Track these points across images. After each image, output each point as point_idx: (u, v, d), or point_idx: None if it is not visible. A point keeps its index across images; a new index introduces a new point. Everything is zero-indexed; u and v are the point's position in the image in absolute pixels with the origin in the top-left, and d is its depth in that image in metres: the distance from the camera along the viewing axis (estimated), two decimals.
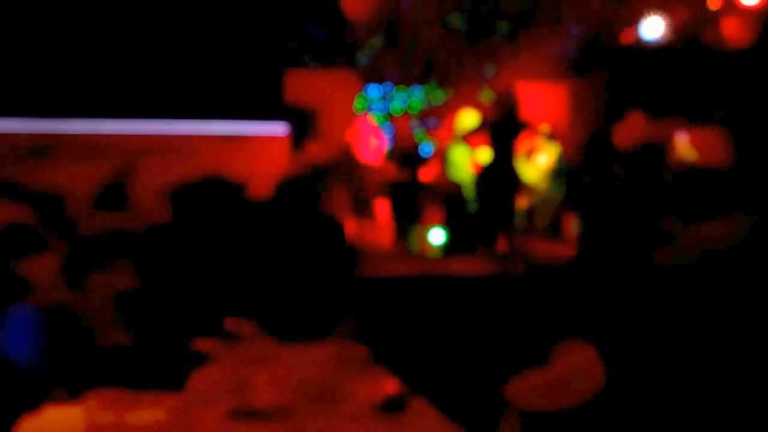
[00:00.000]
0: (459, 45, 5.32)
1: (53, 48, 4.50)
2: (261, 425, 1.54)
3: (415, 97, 5.60)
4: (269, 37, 4.88)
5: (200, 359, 1.83)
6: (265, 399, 1.58)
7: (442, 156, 4.63)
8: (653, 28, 4.90)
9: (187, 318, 2.08)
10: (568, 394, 1.66)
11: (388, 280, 3.02)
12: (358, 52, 5.31)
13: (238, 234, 2.47)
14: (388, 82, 5.52)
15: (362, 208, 3.73)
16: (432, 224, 3.76)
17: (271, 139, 4.78)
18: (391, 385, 1.63)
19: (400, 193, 4.19)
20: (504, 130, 4.81)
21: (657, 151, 4.02)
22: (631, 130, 3.98)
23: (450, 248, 3.67)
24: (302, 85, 4.93)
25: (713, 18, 4.64)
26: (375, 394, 1.61)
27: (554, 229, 4.45)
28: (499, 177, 4.30)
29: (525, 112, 5.25)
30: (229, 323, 1.99)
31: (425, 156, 4.98)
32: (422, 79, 5.51)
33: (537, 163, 4.82)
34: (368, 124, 4.59)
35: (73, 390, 1.62)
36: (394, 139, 5.13)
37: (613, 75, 5.18)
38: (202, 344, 1.90)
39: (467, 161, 4.44)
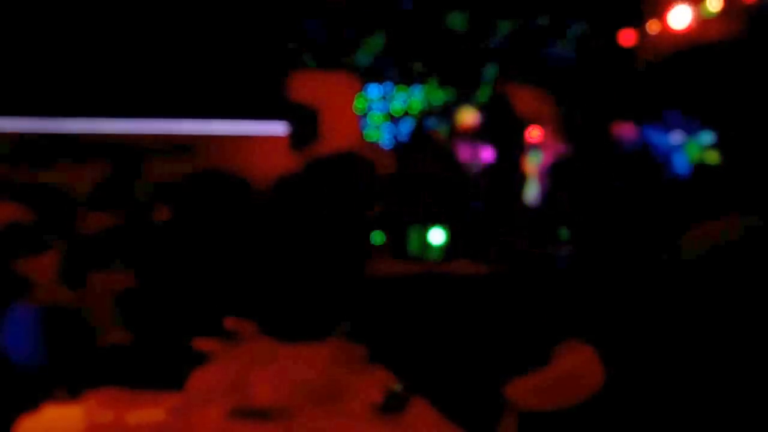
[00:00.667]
0: (459, 45, 5.32)
1: (54, 47, 4.50)
2: (260, 425, 1.54)
3: (415, 97, 5.60)
4: (270, 36, 4.88)
5: (200, 359, 1.83)
6: (264, 398, 1.58)
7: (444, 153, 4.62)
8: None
9: (187, 317, 2.08)
10: (567, 394, 1.66)
11: (387, 280, 3.02)
12: (359, 52, 5.31)
13: (238, 233, 2.47)
14: (389, 82, 5.52)
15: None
16: (432, 224, 3.75)
17: (272, 139, 4.78)
18: (390, 385, 1.63)
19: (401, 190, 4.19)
20: (504, 128, 4.81)
21: (653, 152, 4.03)
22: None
23: (451, 248, 3.67)
24: (303, 85, 4.94)
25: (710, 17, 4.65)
26: (375, 394, 1.61)
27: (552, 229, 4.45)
28: (502, 175, 4.30)
29: (522, 111, 5.26)
30: (229, 323, 1.98)
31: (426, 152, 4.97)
32: (422, 79, 5.51)
33: (536, 161, 4.82)
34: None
35: (72, 389, 1.62)
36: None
37: (608, 76, 5.18)
38: (202, 344, 1.90)
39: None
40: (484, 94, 5.38)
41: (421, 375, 1.76)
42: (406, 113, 5.51)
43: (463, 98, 5.24)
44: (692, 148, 4.68)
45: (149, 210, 2.87)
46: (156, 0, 4.54)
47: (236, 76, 4.77)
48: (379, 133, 5.32)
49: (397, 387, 1.62)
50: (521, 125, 4.99)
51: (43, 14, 4.45)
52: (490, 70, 5.43)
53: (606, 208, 3.19)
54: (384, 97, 5.56)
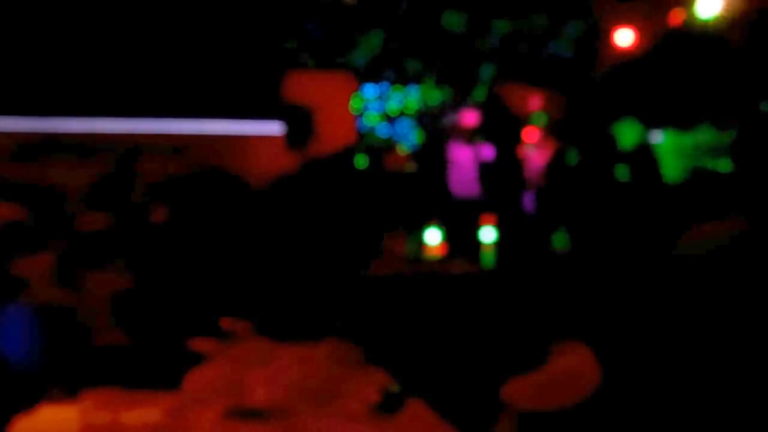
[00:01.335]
0: (456, 45, 5.33)
1: (50, 46, 4.48)
2: (257, 425, 1.53)
3: (412, 97, 5.60)
4: (266, 36, 4.87)
5: (196, 359, 1.83)
6: (260, 399, 1.58)
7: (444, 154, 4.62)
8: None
9: (183, 317, 2.07)
10: (564, 394, 1.66)
11: (384, 280, 3.01)
12: (355, 52, 5.30)
13: (234, 233, 2.46)
14: (385, 82, 5.52)
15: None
16: (430, 225, 3.75)
17: (268, 139, 4.77)
18: (387, 386, 1.63)
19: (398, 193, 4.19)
20: (502, 128, 4.81)
21: (652, 152, 4.04)
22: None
23: (449, 249, 3.67)
24: (299, 84, 4.92)
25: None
26: (371, 394, 1.60)
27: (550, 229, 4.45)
28: (503, 174, 4.30)
29: (519, 111, 5.26)
30: (225, 323, 1.98)
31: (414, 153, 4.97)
32: (419, 79, 5.51)
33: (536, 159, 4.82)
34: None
35: (68, 389, 1.62)
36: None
37: (607, 76, 5.19)
38: (198, 344, 1.89)
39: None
40: (480, 94, 5.38)
41: (418, 375, 1.76)
42: (403, 113, 5.51)
43: (460, 98, 5.24)
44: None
45: (145, 210, 2.86)
46: None
47: (232, 75, 4.76)
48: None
49: (394, 387, 1.62)
50: (518, 125, 4.99)
51: (39, 14, 4.44)
52: (487, 70, 5.43)
53: (603, 207, 3.19)
54: (380, 97, 5.55)
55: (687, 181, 4.07)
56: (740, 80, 4.30)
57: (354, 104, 5.28)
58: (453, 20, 5.31)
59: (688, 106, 4.79)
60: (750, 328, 1.62)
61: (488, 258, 3.52)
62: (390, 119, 5.48)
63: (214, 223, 2.48)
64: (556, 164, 4.79)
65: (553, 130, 4.97)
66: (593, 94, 5.21)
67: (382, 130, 5.33)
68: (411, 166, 4.76)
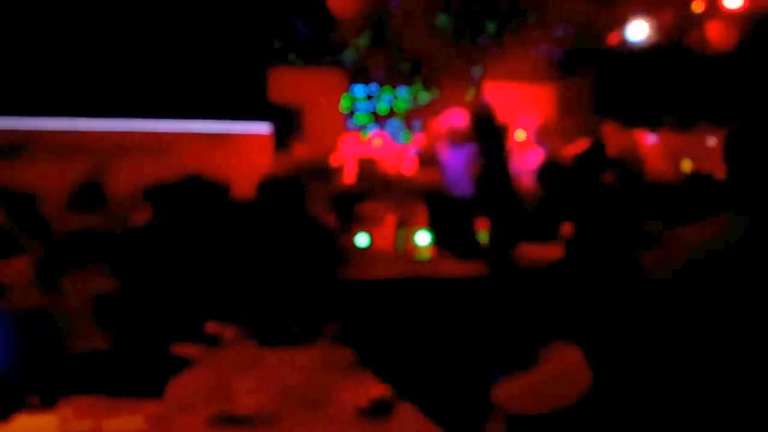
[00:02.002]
0: (446, 45, 5.32)
1: (28, 45, 4.40)
2: None
3: (401, 97, 5.59)
4: (253, 34, 4.83)
5: (180, 364, 1.79)
6: (247, 405, 1.54)
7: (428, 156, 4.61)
8: (639, 30, 4.96)
9: (167, 322, 2.03)
10: (554, 396, 1.65)
11: (374, 283, 2.99)
12: (344, 51, 5.28)
13: (220, 235, 2.42)
14: (374, 82, 5.50)
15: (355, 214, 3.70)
16: (418, 226, 3.74)
17: (255, 138, 4.72)
18: (377, 390, 1.60)
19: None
20: (489, 131, 4.81)
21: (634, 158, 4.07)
22: (606, 141, 4.10)
23: (438, 250, 3.65)
24: (287, 83, 4.89)
25: (697, 21, 4.70)
26: (361, 398, 1.58)
27: (543, 231, 4.45)
28: (492, 177, 4.29)
29: (507, 113, 5.27)
30: (211, 327, 1.94)
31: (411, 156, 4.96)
32: (408, 79, 5.50)
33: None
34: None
35: (47, 397, 1.57)
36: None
37: (598, 77, 5.21)
38: (183, 349, 1.85)
39: None
40: (470, 94, 5.38)
41: (409, 378, 1.74)
42: (392, 113, 5.50)
43: (449, 99, 5.23)
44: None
45: (128, 211, 2.81)
46: None
47: (219, 74, 4.70)
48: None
49: (384, 392, 1.59)
50: (507, 126, 5.00)
51: (16, 13, 4.35)
52: (477, 71, 5.43)
53: (593, 209, 3.19)
54: (370, 97, 5.53)
55: (677, 182, 4.11)
56: (730, 83, 4.34)
57: (343, 104, 5.25)
58: (443, 21, 5.31)
59: (679, 108, 4.83)
60: (740, 327, 1.61)
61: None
62: (379, 119, 5.46)
63: (199, 225, 2.44)
64: (545, 166, 4.79)
65: (542, 132, 4.98)
66: (586, 96, 5.24)
67: (371, 130, 5.32)
68: (405, 167, 4.75)
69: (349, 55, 5.27)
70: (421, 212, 3.83)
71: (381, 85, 5.49)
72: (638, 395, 1.63)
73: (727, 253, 1.53)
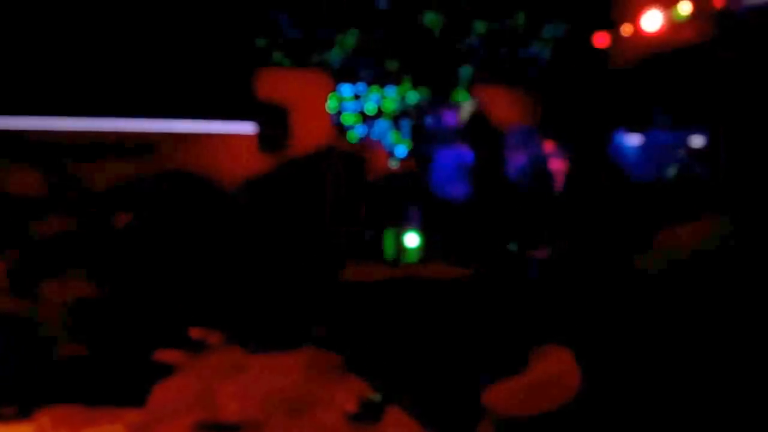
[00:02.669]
0: (434, 45, 5.32)
1: (10, 42, 4.31)
2: None
3: (389, 97, 5.58)
4: (238, 32, 4.78)
5: (163, 371, 1.74)
6: (232, 412, 1.51)
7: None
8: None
9: (149, 327, 1.98)
10: (545, 399, 1.64)
11: (363, 285, 2.96)
12: (332, 51, 5.26)
13: (204, 237, 2.38)
14: (362, 82, 5.49)
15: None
16: (408, 228, 3.72)
17: (240, 138, 4.68)
18: (366, 394, 1.57)
19: (375, 195, 4.15)
20: (481, 132, 4.81)
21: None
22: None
23: (427, 253, 3.64)
24: (273, 83, 4.85)
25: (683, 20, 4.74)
26: (350, 403, 1.55)
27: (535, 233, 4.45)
28: (485, 179, 4.28)
29: (497, 115, 5.27)
30: (194, 332, 1.90)
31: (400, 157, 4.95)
32: (396, 79, 5.50)
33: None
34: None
35: (23, 407, 1.52)
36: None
37: (587, 80, 5.22)
38: (165, 355, 1.81)
39: None
40: (459, 94, 5.38)
41: (398, 381, 1.72)
42: (380, 113, 5.49)
43: (439, 99, 5.23)
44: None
45: (108, 213, 2.75)
46: None
47: (203, 73, 4.65)
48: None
49: (373, 396, 1.57)
50: (498, 127, 5.00)
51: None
52: (466, 71, 5.44)
53: (583, 211, 3.19)
54: (357, 97, 5.52)
55: (664, 184, 4.13)
56: (719, 84, 4.37)
57: (330, 104, 5.23)
58: (432, 20, 5.31)
59: (666, 110, 4.86)
60: (729, 328, 1.61)
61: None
62: (367, 119, 5.45)
63: (182, 227, 2.39)
64: (535, 167, 4.80)
65: (534, 132, 4.98)
66: (576, 97, 5.25)
67: (359, 131, 5.30)
68: (393, 167, 4.73)
69: (335, 55, 5.26)
70: (411, 214, 3.82)
71: (369, 84, 5.48)
72: (628, 397, 1.62)
73: (718, 255, 1.53)
